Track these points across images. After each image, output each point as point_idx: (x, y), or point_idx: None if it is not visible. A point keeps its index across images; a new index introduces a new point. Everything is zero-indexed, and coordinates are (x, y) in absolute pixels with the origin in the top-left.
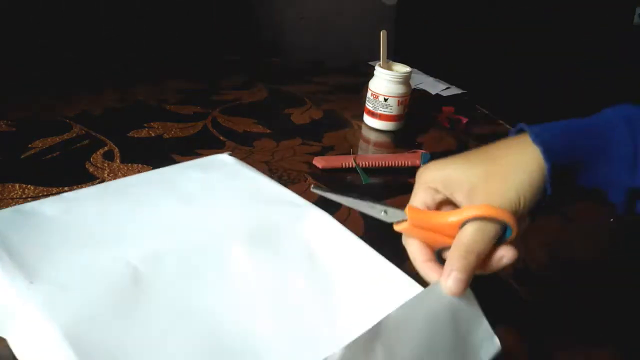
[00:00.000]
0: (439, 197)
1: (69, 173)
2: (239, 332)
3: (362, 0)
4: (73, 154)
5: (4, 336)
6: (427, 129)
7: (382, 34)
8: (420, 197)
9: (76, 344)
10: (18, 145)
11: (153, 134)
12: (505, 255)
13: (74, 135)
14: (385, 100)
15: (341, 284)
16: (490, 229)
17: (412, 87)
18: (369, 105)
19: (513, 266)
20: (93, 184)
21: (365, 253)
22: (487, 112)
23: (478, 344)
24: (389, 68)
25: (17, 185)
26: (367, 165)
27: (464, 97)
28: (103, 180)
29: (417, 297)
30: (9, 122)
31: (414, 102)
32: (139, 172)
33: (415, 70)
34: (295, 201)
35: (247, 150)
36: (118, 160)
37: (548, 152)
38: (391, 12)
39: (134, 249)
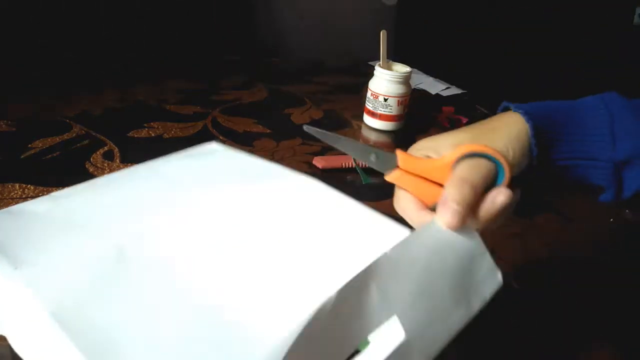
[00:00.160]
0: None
1: (69, 173)
2: (230, 297)
3: (362, 0)
4: (73, 154)
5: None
6: (427, 129)
7: (382, 34)
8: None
9: (64, 321)
10: (18, 145)
11: (153, 134)
12: (498, 195)
13: (74, 135)
14: (385, 100)
15: (333, 237)
16: (482, 164)
17: (412, 87)
18: (369, 105)
19: (513, 266)
20: None
21: (354, 207)
22: (487, 112)
23: (480, 279)
24: (389, 68)
25: (17, 185)
26: (367, 165)
27: (464, 97)
28: None
29: (412, 236)
30: (9, 122)
31: (414, 102)
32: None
33: (415, 70)
34: (284, 172)
35: (247, 150)
36: (118, 160)
37: (529, 115)
38: (391, 12)
39: (118, 230)
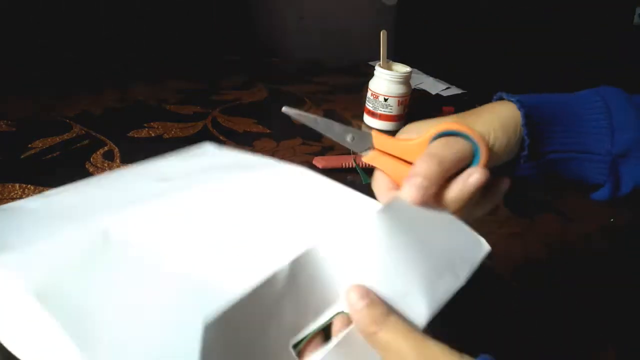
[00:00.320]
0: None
1: (69, 173)
2: (209, 282)
3: (362, 1)
4: (73, 154)
5: None
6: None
7: (382, 34)
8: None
9: (48, 302)
10: (18, 145)
11: (153, 134)
12: (472, 174)
13: (74, 135)
14: (385, 100)
15: (308, 213)
16: (457, 142)
17: (412, 87)
18: (369, 105)
19: (513, 266)
20: None
21: (336, 188)
22: None
23: (462, 249)
24: (389, 68)
25: (17, 185)
26: (367, 165)
27: (464, 97)
28: None
29: (377, 212)
30: (9, 122)
31: (414, 102)
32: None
33: (415, 70)
34: (272, 163)
35: (247, 150)
36: (118, 160)
37: (521, 103)
38: (391, 12)
39: (102, 216)
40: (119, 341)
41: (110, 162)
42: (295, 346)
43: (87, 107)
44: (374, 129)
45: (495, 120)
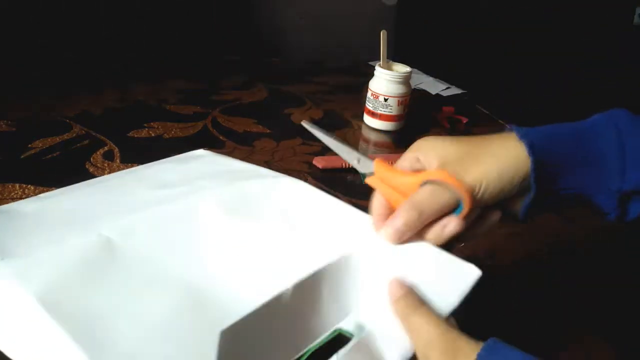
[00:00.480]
0: (417, 166)
1: (69, 173)
2: (211, 286)
3: (362, 0)
4: (73, 154)
5: None
6: (427, 129)
7: (382, 34)
8: (402, 161)
9: (52, 308)
10: (18, 145)
11: (153, 134)
12: (449, 224)
13: (74, 135)
14: (385, 100)
15: (313, 233)
16: (442, 194)
17: (412, 87)
18: (369, 105)
19: (513, 266)
20: None
21: (335, 205)
22: (487, 112)
23: (450, 277)
24: (389, 68)
25: (17, 185)
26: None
27: (464, 97)
28: None
29: (366, 244)
30: (9, 122)
31: (414, 102)
32: (129, 169)
33: (415, 70)
34: (268, 174)
35: (247, 150)
36: (118, 160)
37: (532, 148)
38: (391, 12)
39: (106, 223)
40: (129, 348)
41: (110, 162)
42: None
43: (87, 107)
44: (378, 157)
45: (494, 167)
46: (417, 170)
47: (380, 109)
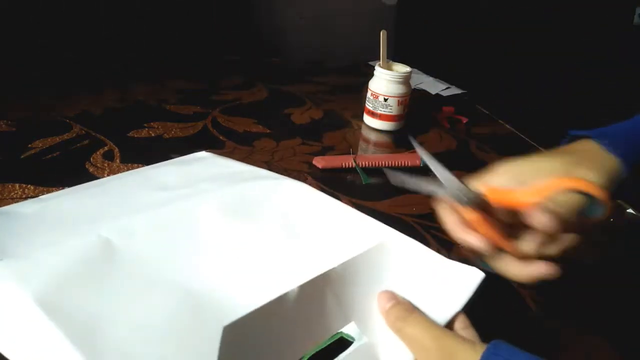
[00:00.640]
0: (499, 185)
1: (69, 173)
2: (210, 288)
3: (362, 0)
4: (73, 154)
5: None
6: (427, 129)
7: (382, 34)
8: (481, 180)
9: (50, 310)
10: (18, 145)
11: (153, 134)
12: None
13: (74, 135)
14: (385, 100)
15: (315, 237)
16: (578, 199)
17: (412, 87)
18: (369, 105)
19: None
20: None
21: (336, 207)
22: (487, 112)
23: (453, 281)
24: (389, 68)
25: (17, 185)
26: (367, 165)
27: (464, 97)
28: None
29: (368, 251)
30: (9, 122)
31: (414, 102)
32: (129, 170)
33: (415, 70)
34: (269, 176)
35: (247, 150)
36: (118, 160)
37: (627, 159)
38: (391, 12)
39: (105, 224)
40: (127, 350)
41: (110, 162)
42: None
43: (87, 107)
44: (489, 185)
45: (608, 172)
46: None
47: (380, 109)
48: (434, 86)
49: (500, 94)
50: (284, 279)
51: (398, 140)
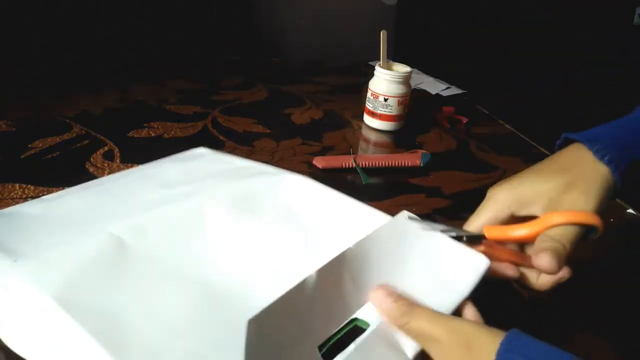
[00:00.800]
0: (503, 215)
1: (69, 173)
2: (225, 281)
3: (362, 0)
4: (73, 154)
5: None
6: (427, 129)
7: (382, 34)
8: (485, 214)
9: (71, 308)
10: (18, 145)
11: (153, 134)
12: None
13: (74, 135)
14: (385, 100)
15: (320, 228)
16: (575, 231)
17: (412, 87)
18: (369, 105)
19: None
20: None
21: (340, 200)
22: (487, 112)
23: (461, 265)
24: (389, 68)
25: (17, 185)
26: (367, 165)
27: (464, 97)
28: None
29: (379, 230)
30: (9, 122)
31: (414, 102)
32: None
33: (415, 70)
34: (272, 171)
35: (247, 150)
36: (118, 160)
37: (618, 168)
38: (391, 12)
39: (116, 223)
40: (150, 345)
41: (110, 162)
42: (320, 349)
43: (87, 107)
44: (487, 225)
45: (603, 188)
46: (504, 221)
47: (380, 109)
48: (434, 86)
49: (500, 94)
50: (298, 268)
51: (398, 140)
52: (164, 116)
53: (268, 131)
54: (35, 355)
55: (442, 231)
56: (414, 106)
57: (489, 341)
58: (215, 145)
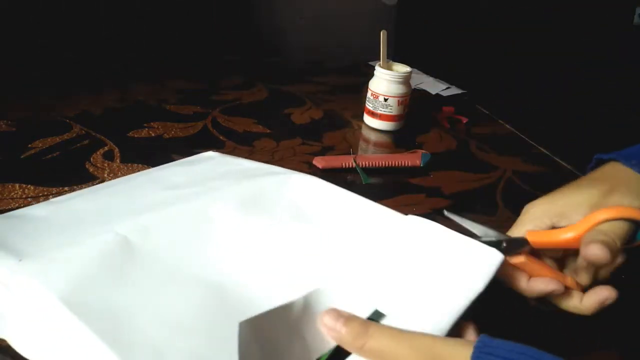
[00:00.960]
0: (542, 226)
1: (69, 173)
2: (231, 281)
3: (362, 0)
4: (73, 154)
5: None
6: (427, 129)
7: (382, 34)
8: (523, 227)
9: (76, 308)
10: (18, 145)
11: (153, 134)
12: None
13: (74, 135)
14: (385, 100)
15: (329, 226)
16: (623, 227)
17: (412, 87)
18: (369, 105)
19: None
20: (93, 184)
21: (349, 198)
22: (487, 112)
23: (474, 261)
24: (389, 68)
25: (17, 185)
26: (367, 165)
27: (464, 97)
28: (103, 181)
29: (382, 235)
30: (9, 122)
31: (414, 102)
32: (138, 172)
33: (415, 70)
34: (279, 171)
35: (247, 150)
36: (118, 160)
37: None
38: (391, 12)
39: (122, 223)
40: (155, 344)
41: (110, 162)
42: None
43: (87, 107)
44: (529, 230)
45: (635, 191)
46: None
47: (380, 109)
48: (434, 86)
49: (500, 94)
50: (306, 267)
51: (398, 140)
52: (164, 116)
53: (268, 131)
54: (40, 356)
55: (481, 236)
56: (414, 106)
57: (460, 351)
58: (216, 145)
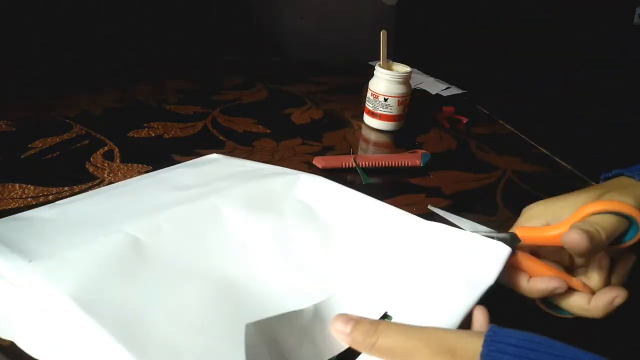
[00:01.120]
0: (537, 225)
1: (69, 173)
2: (242, 281)
3: (362, 0)
4: (73, 154)
5: (10, 338)
6: (427, 129)
7: (382, 34)
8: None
9: (88, 307)
10: (18, 145)
11: (153, 134)
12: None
13: (74, 135)
14: (385, 100)
15: (337, 225)
16: (611, 220)
17: (412, 87)
18: (369, 105)
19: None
20: (93, 184)
21: (356, 197)
22: (487, 112)
23: (483, 256)
24: (389, 68)
25: (17, 185)
26: (367, 165)
27: (464, 97)
28: (103, 181)
29: (391, 238)
30: (9, 122)
31: (414, 102)
32: (139, 172)
33: (415, 70)
34: (286, 171)
35: (247, 150)
36: (118, 160)
37: None
38: (391, 12)
39: (131, 222)
40: (168, 343)
41: (110, 162)
42: None
43: (87, 107)
44: (518, 226)
45: (637, 196)
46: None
47: (380, 109)
48: (434, 86)
49: (500, 94)
50: (316, 266)
51: (398, 140)
52: (164, 116)
53: (268, 131)
54: (51, 356)
55: (469, 231)
56: (414, 106)
57: (470, 342)
58: (215, 145)
